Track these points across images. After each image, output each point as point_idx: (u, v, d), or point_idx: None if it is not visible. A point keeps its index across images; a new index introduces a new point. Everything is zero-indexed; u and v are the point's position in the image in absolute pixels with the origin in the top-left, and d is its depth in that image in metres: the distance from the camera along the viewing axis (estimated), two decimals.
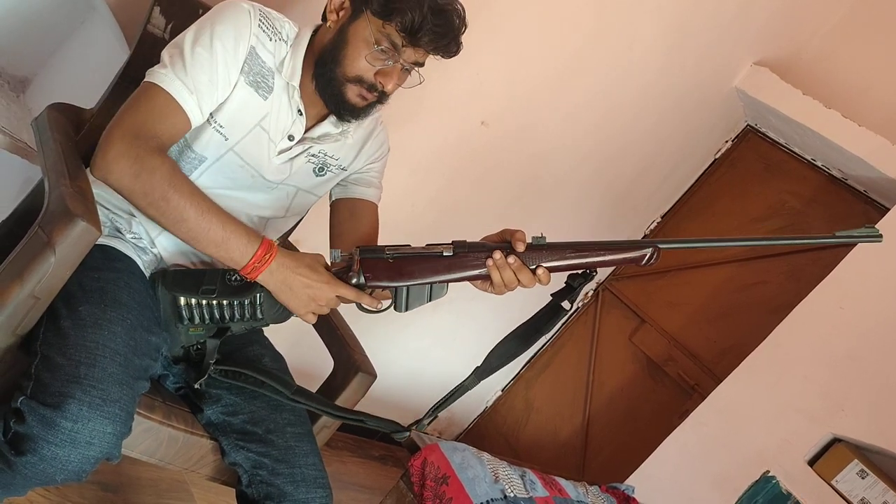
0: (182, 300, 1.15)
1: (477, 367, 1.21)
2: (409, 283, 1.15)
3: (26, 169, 1.71)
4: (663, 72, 2.43)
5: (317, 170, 1.30)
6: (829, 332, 2.15)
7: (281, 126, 1.22)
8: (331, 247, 1.37)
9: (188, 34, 1.13)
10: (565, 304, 1.18)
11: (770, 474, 2.10)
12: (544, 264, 1.15)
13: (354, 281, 1.16)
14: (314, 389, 1.42)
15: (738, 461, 2.15)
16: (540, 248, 1.14)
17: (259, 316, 1.17)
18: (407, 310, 1.17)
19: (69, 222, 0.98)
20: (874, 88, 2.46)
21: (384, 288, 1.17)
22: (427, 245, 1.17)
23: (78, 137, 1.34)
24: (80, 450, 0.93)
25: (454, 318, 2.67)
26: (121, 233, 1.21)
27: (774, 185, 2.70)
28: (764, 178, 2.74)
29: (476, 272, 1.15)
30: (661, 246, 1.16)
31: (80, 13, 1.78)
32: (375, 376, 1.38)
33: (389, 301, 1.19)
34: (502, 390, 3.03)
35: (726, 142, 2.83)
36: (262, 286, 1.14)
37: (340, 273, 1.17)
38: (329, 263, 1.19)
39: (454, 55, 1.19)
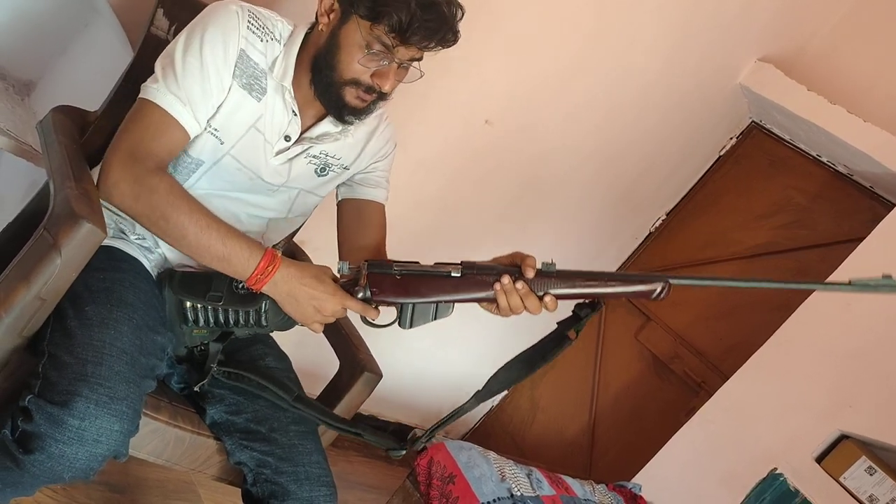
0: (188, 303, 1.16)
1: (478, 391, 1.21)
2: (414, 301, 1.15)
3: (32, 172, 1.71)
4: (666, 69, 2.43)
5: (318, 170, 1.29)
6: (836, 329, 2.14)
7: (276, 127, 1.21)
8: (339, 249, 1.38)
9: (178, 42, 1.14)
10: (570, 334, 1.17)
11: (777, 472, 2.09)
12: (552, 291, 1.13)
13: (361, 295, 1.16)
14: (320, 389, 1.43)
15: (746, 459, 2.15)
16: (549, 275, 1.13)
17: (263, 323, 1.18)
18: (411, 327, 1.17)
19: (75, 224, 0.99)
20: (879, 84, 2.45)
21: (390, 303, 1.17)
22: (436, 263, 1.16)
23: (83, 140, 1.34)
24: (87, 447, 0.93)
25: (459, 317, 2.66)
26: (125, 234, 1.22)
27: (780, 182, 2.69)
28: (769, 174, 2.73)
29: (483, 294, 1.14)
30: (671, 281, 1.15)
31: (84, 16, 1.78)
32: (381, 376, 1.38)
33: (394, 317, 1.18)
34: (507, 390, 3.03)
35: (731, 138, 2.82)
36: (268, 295, 1.15)
37: (347, 285, 1.17)
38: (336, 274, 1.20)
39: (452, 44, 1.17)
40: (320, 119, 1.25)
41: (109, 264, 1.14)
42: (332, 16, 1.16)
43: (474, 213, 2.44)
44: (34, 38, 1.80)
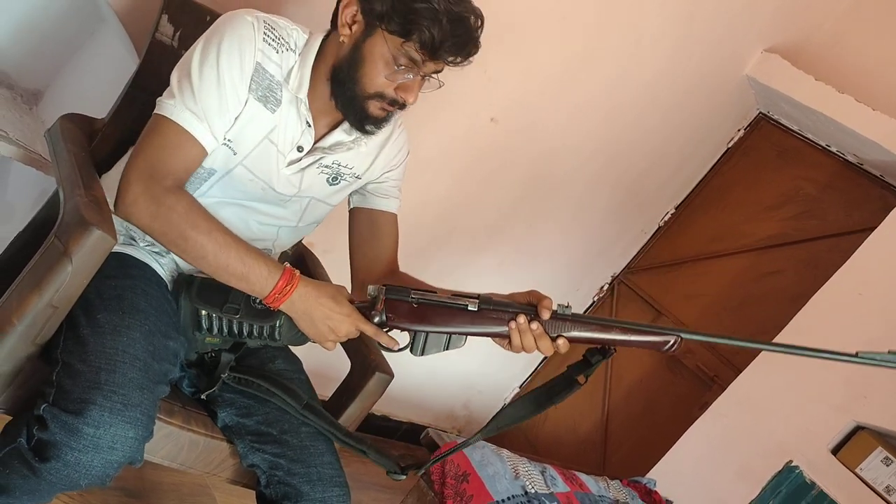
0: (203, 312, 1.16)
1: (484, 427, 1.23)
2: (428, 330, 1.16)
3: (42, 180, 1.72)
4: (672, 63, 2.42)
5: (330, 179, 1.28)
6: (849, 319, 2.13)
7: (289, 138, 1.20)
8: (351, 258, 1.39)
9: (194, 54, 1.12)
10: (580, 379, 1.19)
11: (793, 464, 2.08)
12: (566, 334, 1.15)
13: (377, 319, 1.17)
14: (332, 391, 1.43)
15: (761, 452, 2.14)
16: (564, 318, 1.14)
17: (277, 338, 1.19)
18: (422, 354, 1.18)
19: (85, 231, 0.99)
20: (888, 71, 2.43)
21: (404, 329, 1.17)
22: (453, 295, 1.17)
23: (91, 147, 1.35)
24: (102, 454, 0.94)
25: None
26: (135, 240, 1.22)
27: (789, 173, 2.68)
28: (778, 165, 2.71)
29: (497, 330, 1.15)
30: (684, 336, 1.15)
31: (90, 25, 1.79)
32: (392, 376, 1.38)
33: (406, 343, 1.19)
34: (520, 387, 3.02)
35: (738, 130, 2.81)
36: (284, 312, 1.15)
37: (364, 308, 1.18)
38: (350, 293, 1.20)
39: (474, 56, 1.17)
40: (333, 128, 1.24)
41: (120, 271, 1.14)
42: (354, 28, 1.14)
43: (481, 211, 2.44)
44: (41, 48, 1.81)
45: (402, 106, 1.18)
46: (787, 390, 2.16)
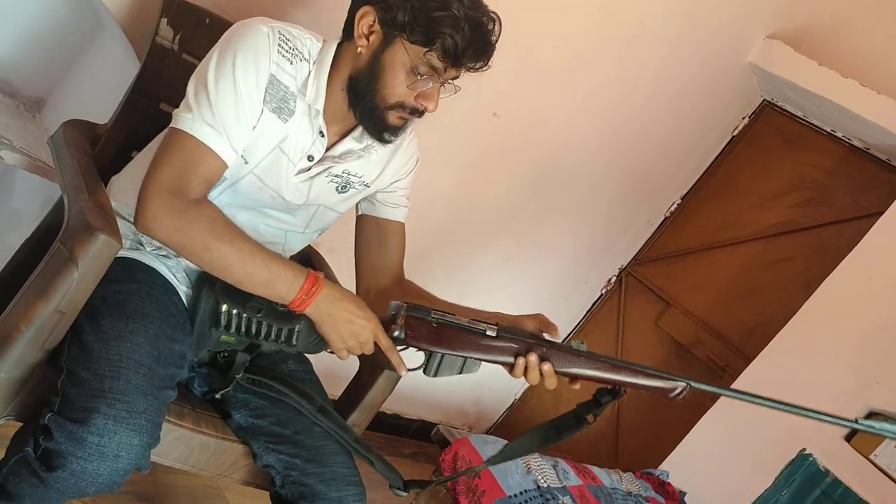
0: (224, 307, 1.15)
1: (492, 457, 1.26)
2: (445, 352, 1.16)
3: (46, 187, 1.73)
4: (673, 53, 2.40)
5: (339, 188, 1.28)
6: (860, 305, 2.12)
7: (300, 147, 1.19)
8: (357, 264, 1.40)
9: (209, 66, 1.10)
10: (589, 418, 1.21)
11: (806, 452, 2.07)
12: (576, 372, 1.16)
13: (395, 333, 1.17)
14: (341, 390, 1.43)
15: (774, 441, 2.13)
16: (577, 354, 1.16)
17: (293, 343, 1.18)
18: (436, 376, 1.17)
19: (90, 236, 1.00)
20: (891, 54, 2.41)
21: (421, 349, 1.17)
22: (472, 319, 1.18)
23: (94, 153, 1.35)
24: (108, 463, 0.94)
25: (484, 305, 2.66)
26: (142, 245, 1.22)
27: (795, 159, 2.66)
28: (784, 152, 2.70)
29: (512, 359, 1.16)
30: (693, 384, 1.18)
31: (90, 31, 1.79)
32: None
33: (420, 364, 1.19)
34: (530, 384, 3.01)
35: (743, 118, 2.80)
36: (305, 317, 1.15)
37: (384, 322, 1.18)
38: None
39: (490, 60, 1.17)
40: (343, 136, 1.24)
41: (125, 275, 1.14)
42: (372, 38, 1.13)
43: (486, 208, 2.43)
44: (42, 56, 1.82)
45: (422, 114, 1.18)
46: (798, 378, 2.15)
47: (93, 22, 1.76)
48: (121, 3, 1.49)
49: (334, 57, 1.18)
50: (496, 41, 1.15)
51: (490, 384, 2.92)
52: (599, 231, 2.78)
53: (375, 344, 1.17)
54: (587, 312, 2.97)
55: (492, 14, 1.14)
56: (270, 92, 1.13)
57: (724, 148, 2.83)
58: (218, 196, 1.20)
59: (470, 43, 1.10)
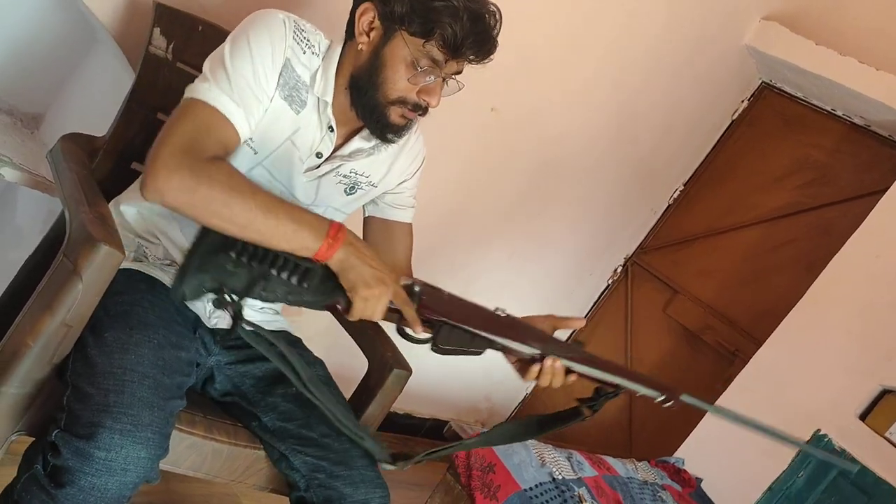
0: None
1: (484, 433, 1.24)
2: (457, 324, 1.12)
3: (48, 202, 1.73)
4: (669, 38, 2.39)
5: (347, 189, 1.27)
6: (868, 283, 2.11)
7: (309, 142, 1.18)
8: None
9: (226, 46, 1.09)
10: (586, 412, 1.23)
11: (822, 433, 2.06)
12: (577, 368, 1.18)
13: (416, 289, 1.11)
14: (350, 392, 1.43)
15: (787, 422, 2.12)
16: (585, 359, 1.18)
17: (304, 285, 1.06)
18: (443, 351, 1.12)
19: (92, 248, 0.99)
20: (888, 31, 2.40)
21: (432, 319, 1.11)
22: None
23: (93, 165, 1.35)
24: (116, 477, 0.94)
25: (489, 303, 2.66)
26: (146, 257, 1.22)
27: (796, 140, 2.65)
28: (784, 133, 2.69)
29: (520, 348, 1.15)
30: (682, 398, 1.23)
31: (84, 44, 1.80)
32: (410, 371, 1.38)
33: (429, 335, 1.13)
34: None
35: (742, 101, 2.79)
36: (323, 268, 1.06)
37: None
38: None
39: (494, 54, 1.16)
40: (352, 136, 1.23)
41: (127, 287, 1.13)
42: (372, 34, 1.13)
43: (488, 203, 2.43)
44: (37, 72, 1.82)
45: (425, 111, 1.17)
46: (810, 359, 2.14)
47: (86, 35, 1.76)
48: (113, 15, 1.49)
49: (340, 57, 1.17)
50: (497, 34, 1.15)
51: (500, 379, 2.91)
52: (603, 221, 2.78)
53: (388, 310, 1.10)
54: (594, 304, 2.97)
55: (492, 7, 1.13)
56: (284, 76, 1.12)
57: (725, 132, 2.83)
58: None
59: (469, 33, 1.09)
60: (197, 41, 1.40)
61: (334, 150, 1.22)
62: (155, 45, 1.38)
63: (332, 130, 1.19)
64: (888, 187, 2.18)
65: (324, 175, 1.22)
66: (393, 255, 1.36)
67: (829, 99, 2.52)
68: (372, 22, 1.13)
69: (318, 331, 1.81)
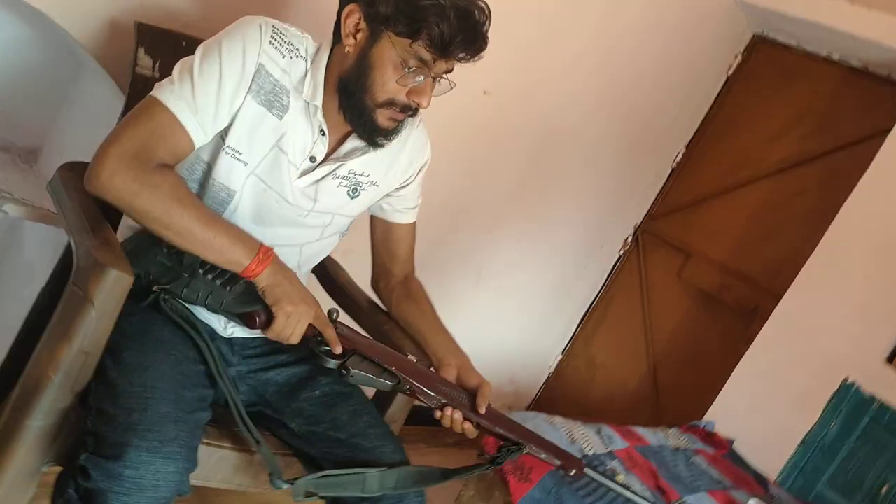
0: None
1: (385, 471, 1.17)
2: (368, 356, 1.14)
3: (55, 234, 1.74)
4: (656, 1, 2.37)
5: (350, 192, 1.26)
6: (883, 223, 2.09)
7: (300, 146, 1.18)
8: (373, 260, 1.43)
9: (198, 50, 1.10)
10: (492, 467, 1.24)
11: (850, 381, 2.05)
12: (491, 428, 1.20)
13: (334, 317, 1.16)
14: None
15: (814, 374, 2.10)
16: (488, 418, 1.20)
17: (228, 289, 1.10)
18: (352, 376, 1.12)
19: (101, 273, 1.00)
20: None
21: (345, 347, 1.13)
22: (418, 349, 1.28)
23: None
24: (148, 494, 0.95)
25: (496, 295, 2.66)
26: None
27: (795, 90, 2.62)
28: (782, 84, 2.65)
29: (425, 391, 1.16)
30: (585, 470, 1.28)
31: (71, 73, 1.80)
32: (431, 366, 1.37)
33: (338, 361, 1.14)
34: (562, 353, 3.01)
35: (736, 56, 2.75)
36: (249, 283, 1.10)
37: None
38: None
39: (483, 52, 1.14)
40: (345, 138, 1.22)
41: (139, 307, 1.14)
42: (359, 36, 1.12)
43: (490, 188, 2.42)
44: (29, 107, 1.83)
45: (415, 112, 1.16)
46: (831, 307, 2.12)
47: (71, 63, 1.77)
48: (96, 40, 1.49)
49: (328, 60, 1.16)
50: (487, 30, 1.13)
51: (522, 361, 2.91)
52: (608, 192, 2.76)
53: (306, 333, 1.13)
54: (608, 276, 2.96)
55: (480, 3, 1.12)
56: (258, 81, 1.11)
57: (721, 89, 2.80)
58: (232, 214, 1.18)
59: (457, 31, 1.08)
60: (182, 57, 1.39)
61: (329, 154, 1.21)
62: (141, 65, 1.38)
63: (325, 134, 1.18)
64: (892, 127, 2.15)
65: (321, 179, 1.21)
66: (393, 255, 1.40)
67: (824, 44, 2.49)
68: (358, 24, 1.11)
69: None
